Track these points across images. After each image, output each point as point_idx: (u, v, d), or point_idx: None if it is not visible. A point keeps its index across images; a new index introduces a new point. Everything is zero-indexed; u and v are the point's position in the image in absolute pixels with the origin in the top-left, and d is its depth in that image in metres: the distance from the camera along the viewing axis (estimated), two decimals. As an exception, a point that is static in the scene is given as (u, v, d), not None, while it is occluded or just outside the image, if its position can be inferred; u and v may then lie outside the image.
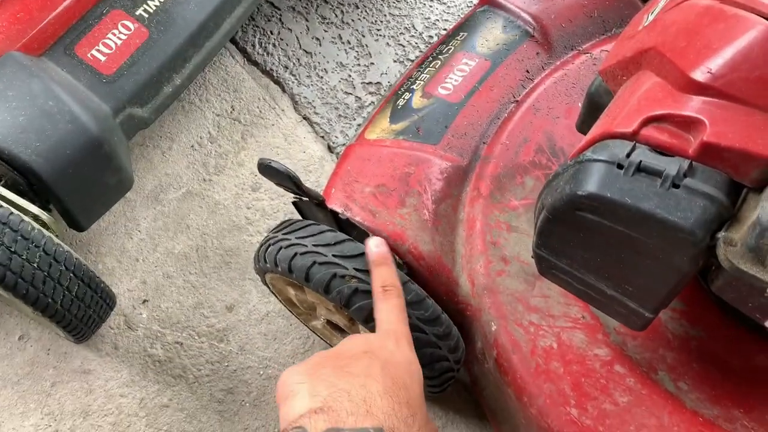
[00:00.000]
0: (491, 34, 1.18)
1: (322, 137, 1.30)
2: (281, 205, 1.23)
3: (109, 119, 1.07)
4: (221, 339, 1.10)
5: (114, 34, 1.14)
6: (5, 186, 0.97)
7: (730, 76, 0.61)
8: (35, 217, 0.96)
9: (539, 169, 1.02)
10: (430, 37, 1.41)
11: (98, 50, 1.12)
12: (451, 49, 1.17)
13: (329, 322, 0.98)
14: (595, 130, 0.70)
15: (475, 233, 0.96)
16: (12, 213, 0.89)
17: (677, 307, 0.88)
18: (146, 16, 1.16)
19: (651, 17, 0.76)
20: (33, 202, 0.99)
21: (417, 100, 1.11)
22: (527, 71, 1.14)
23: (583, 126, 0.87)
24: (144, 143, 1.27)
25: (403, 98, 1.13)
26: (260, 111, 1.32)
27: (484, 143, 1.06)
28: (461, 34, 1.19)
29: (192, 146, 1.28)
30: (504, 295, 0.91)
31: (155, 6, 1.17)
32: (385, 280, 0.76)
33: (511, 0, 1.19)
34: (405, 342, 0.70)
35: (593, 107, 0.82)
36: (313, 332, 1.08)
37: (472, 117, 1.08)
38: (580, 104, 0.88)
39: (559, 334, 0.87)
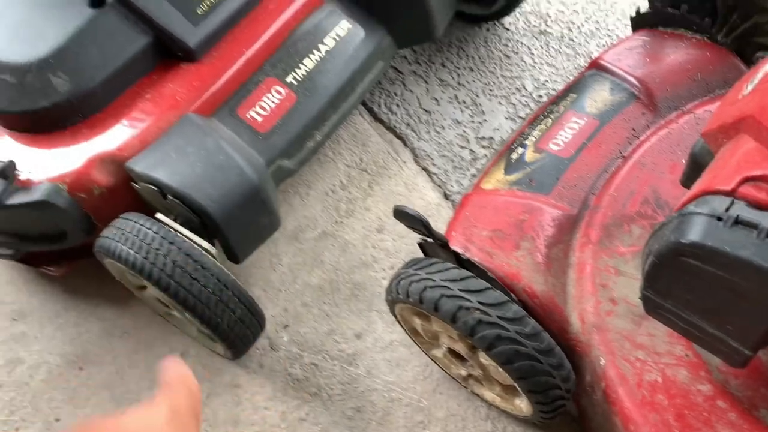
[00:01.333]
0: (599, 96, 1.29)
1: (439, 186, 1.45)
2: (402, 245, 1.38)
3: (264, 170, 1.27)
4: (350, 363, 1.25)
5: (268, 98, 1.34)
6: (180, 224, 1.18)
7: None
8: (205, 251, 1.16)
9: (645, 219, 1.11)
10: (540, 96, 1.54)
11: (256, 112, 1.32)
12: (561, 108, 1.29)
13: (450, 351, 1.10)
14: (698, 186, 0.80)
15: (585, 276, 1.07)
16: (194, 246, 1.08)
17: (780, 350, 0.94)
18: (295, 83, 1.36)
19: (750, 87, 0.85)
20: (202, 237, 1.18)
21: (530, 155, 1.23)
22: (633, 130, 1.24)
23: (687, 181, 0.96)
24: (286, 189, 1.47)
25: (517, 152, 1.26)
26: (385, 162, 1.49)
27: (592, 194, 1.16)
28: (571, 95, 1.31)
29: (326, 192, 1.46)
30: (612, 333, 1.00)
31: (302, 74, 1.37)
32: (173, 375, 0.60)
33: (617, 65, 1.31)
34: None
35: (696, 165, 0.91)
36: (433, 360, 1.21)
37: (581, 170, 1.19)
38: (683, 161, 0.97)
39: (663, 370, 0.95)
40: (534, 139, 1.26)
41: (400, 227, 1.40)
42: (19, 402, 1.27)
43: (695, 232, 0.73)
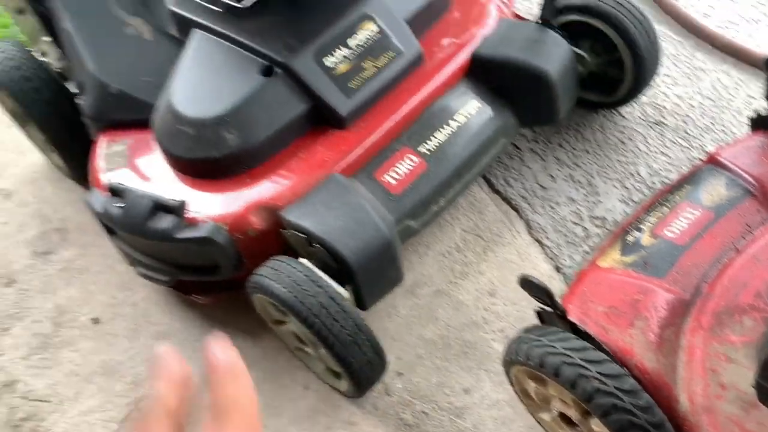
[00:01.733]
0: (715, 190, 1.37)
1: (551, 259, 1.54)
2: (512, 311, 1.48)
3: (394, 228, 1.41)
4: (458, 415, 1.34)
5: (402, 165, 1.49)
6: (319, 269, 1.32)
7: None
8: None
9: (757, 312, 1.17)
10: (653, 183, 1.62)
11: (390, 176, 1.48)
12: (677, 198, 1.37)
13: (561, 415, 1.18)
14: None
15: (695, 359, 1.13)
16: (336, 291, 1.22)
17: None
18: (426, 153, 1.51)
19: None
20: (337, 282, 1.32)
21: (646, 239, 1.32)
22: (748, 225, 1.31)
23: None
24: (407, 247, 1.60)
25: (633, 235, 1.34)
26: (499, 231, 1.61)
27: (705, 282, 1.23)
28: (686, 186, 1.40)
29: (443, 253, 1.59)
30: (721, 416, 1.06)
31: (434, 146, 1.52)
32: (228, 397, 0.44)
33: (734, 162, 1.39)
34: None
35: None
36: (539, 423, 1.28)
37: (695, 258, 1.26)
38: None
39: (772, 459, 1.00)
40: (650, 225, 1.34)
41: (511, 293, 1.50)
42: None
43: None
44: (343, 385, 1.35)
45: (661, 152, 1.68)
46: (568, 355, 1.05)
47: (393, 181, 1.47)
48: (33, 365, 1.56)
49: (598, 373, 1.02)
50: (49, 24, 1.71)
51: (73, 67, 1.65)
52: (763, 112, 1.43)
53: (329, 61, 1.46)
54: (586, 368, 1.02)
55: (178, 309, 1.59)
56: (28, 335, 1.61)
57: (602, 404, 1.00)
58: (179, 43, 1.59)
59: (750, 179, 1.36)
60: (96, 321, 1.61)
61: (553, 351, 1.06)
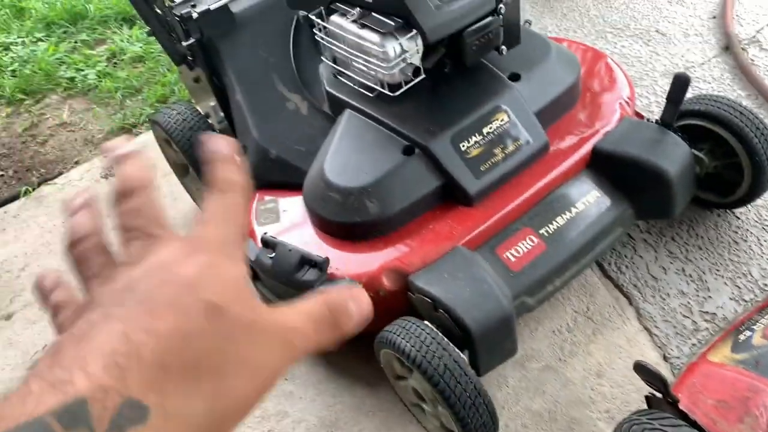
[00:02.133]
0: (832, 299, 1.41)
1: (659, 347, 1.61)
2: (618, 393, 1.55)
3: (512, 302, 1.52)
4: (560, 487, 1.41)
5: (523, 244, 1.62)
6: (441, 332, 1.45)
7: None
8: (459, 360, 1.42)
9: None
10: (765, 285, 1.67)
11: (511, 253, 1.61)
12: (792, 303, 1.42)
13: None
14: None
15: (804, 462, 1.17)
16: (460, 355, 1.35)
17: None
18: (546, 235, 1.63)
19: None
20: (456, 346, 1.45)
21: (757, 339, 1.37)
22: None
23: None
24: (519, 322, 1.71)
25: (744, 334, 1.40)
26: (609, 315, 1.69)
27: (818, 389, 1.27)
28: (802, 292, 1.45)
29: (553, 331, 1.69)
30: None
31: (554, 229, 1.64)
32: (229, 177, 0.43)
33: None
34: (220, 254, 0.39)
35: None
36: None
37: (808, 364, 1.31)
38: None
39: None
40: (762, 326, 1.40)
41: (618, 376, 1.57)
42: (281, 446, 1.59)
43: None
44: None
45: (775, 255, 1.73)
46: (679, 441, 1.12)
47: (513, 259, 1.60)
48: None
49: (709, 461, 1.09)
50: (220, 92, 1.99)
51: (238, 131, 1.90)
52: None
53: (463, 145, 1.63)
54: (697, 455, 1.09)
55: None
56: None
57: (711, 492, 1.06)
58: (330, 119, 1.82)
59: None
60: (230, 356, 1.80)
61: (665, 435, 1.14)
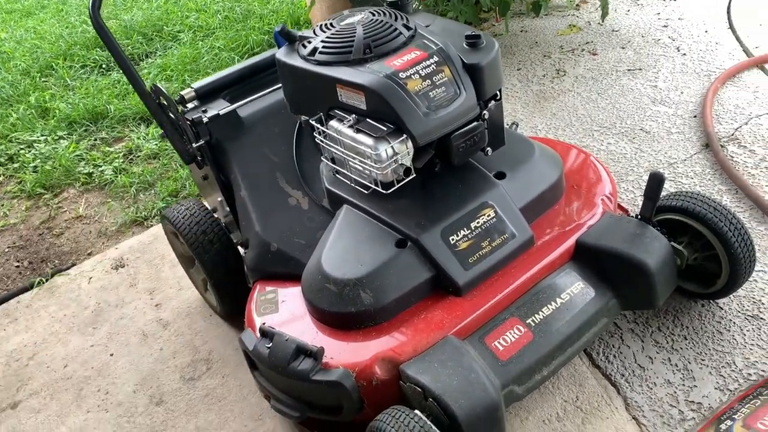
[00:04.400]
0: (809, 388, 1.45)
1: (648, 437, 1.64)
2: (608, 484, 1.56)
3: (500, 392, 1.57)
4: None
5: (511, 333, 1.68)
6: (430, 421, 1.49)
7: None
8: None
9: None
10: (749, 374, 1.71)
11: (499, 342, 1.66)
12: (770, 392, 1.47)
13: None
14: None
15: None
16: (447, 443, 1.39)
17: None
18: (533, 324, 1.70)
19: None
20: None
21: (738, 428, 1.41)
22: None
23: None
24: (509, 410, 1.75)
25: (726, 423, 1.44)
26: (598, 405, 1.73)
27: (798, 478, 1.30)
28: (781, 382, 1.49)
29: (543, 420, 1.72)
30: None
31: (540, 319, 1.71)
32: None
33: (828, 363, 1.48)
34: None
35: None
36: None
37: (787, 454, 1.34)
38: None
39: None
40: (743, 416, 1.44)
41: (607, 466, 1.59)
42: None
43: None
44: None
45: (758, 345, 1.78)
46: None
47: (501, 348, 1.66)
48: (172, 479, 1.79)
49: None
50: (226, 189, 2.12)
51: (242, 226, 2.02)
52: None
53: (453, 239, 1.73)
54: None
55: (299, 442, 1.79)
56: (170, 451, 1.86)
57: None
58: (329, 214, 1.94)
59: None
60: (228, 445, 1.84)
61: None
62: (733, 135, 2.60)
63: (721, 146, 2.53)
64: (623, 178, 2.50)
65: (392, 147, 1.65)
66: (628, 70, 3.22)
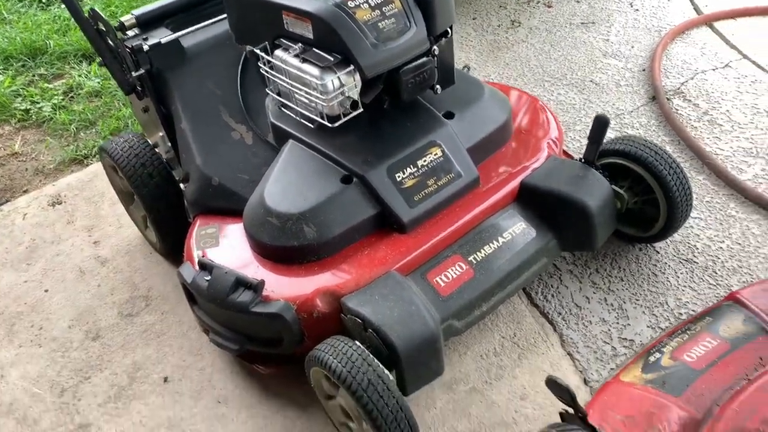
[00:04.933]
0: (733, 324, 1.51)
1: (580, 372, 1.68)
2: (540, 415, 1.61)
3: (439, 325, 1.59)
4: (481, 505, 1.45)
5: (452, 270, 1.69)
6: (370, 352, 1.50)
7: None
8: (386, 379, 1.46)
9: (763, 436, 1.28)
10: (680, 314, 1.77)
11: (441, 279, 1.67)
12: (698, 328, 1.52)
13: None
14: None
15: (702, 472, 1.24)
16: (384, 371, 1.40)
17: None
18: (474, 262, 1.71)
19: None
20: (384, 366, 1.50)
21: (666, 360, 1.46)
22: (761, 359, 1.44)
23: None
24: (448, 345, 1.77)
25: (654, 356, 1.49)
26: (534, 341, 1.77)
27: (717, 405, 1.36)
28: (707, 318, 1.55)
29: (481, 355, 1.75)
30: None
31: (482, 257, 1.72)
32: None
33: (753, 301, 1.54)
34: None
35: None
36: None
37: (709, 383, 1.39)
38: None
39: None
40: (671, 348, 1.49)
41: (541, 399, 1.64)
42: (210, 468, 1.59)
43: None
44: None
45: (690, 287, 1.84)
46: (582, 449, 1.18)
47: (442, 284, 1.67)
48: (107, 412, 1.75)
49: (608, 467, 1.15)
50: (167, 122, 2.05)
51: (182, 159, 1.95)
52: (782, 260, 1.60)
53: (399, 176, 1.72)
54: (598, 462, 1.16)
55: (239, 377, 1.78)
56: (106, 385, 1.82)
57: (610, 496, 1.12)
58: (274, 149, 1.90)
59: (766, 318, 1.50)
60: (166, 380, 1.81)
61: (570, 444, 1.20)
62: (679, 89, 2.64)
63: (667, 99, 2.57)
64: (571, 127, 2.52)
65: (339, 78, 1.61)
66: (582, 23, 3.23)
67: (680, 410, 1.34)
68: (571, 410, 1.31)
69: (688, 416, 1.33)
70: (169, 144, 2.13)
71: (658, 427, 1.30)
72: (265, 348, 1.68)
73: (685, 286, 1.84)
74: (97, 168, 2.70)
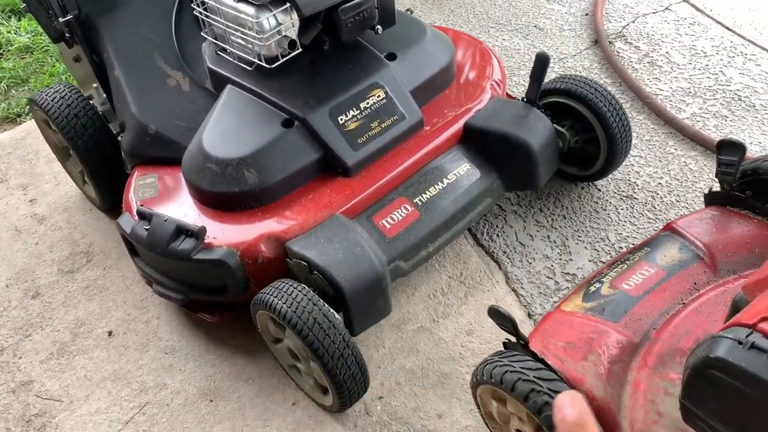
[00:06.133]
0: (669, 252, 1.56)
1: (525, 306, 1.72)
2: (486, 349, 1.64)
3: (386, 265, 1.59)
4: (430, 437, 1.48)
5: (398, 212, 1.69)
6: (318, 295, 1.50)
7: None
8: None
9: (695, 355, 1.33)
10: (621, 247, 1.81)
11: (386, 221, 1.67)
12: (636, 257, 1.56)
13: (518, 434, 1.32)
14: (730, 321, 1.05)
15: (639, 392, 1.29)
16: (329, 309, 1.40)
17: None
18: (420, 203, 1.72)
19: (782, 255, 1.11)
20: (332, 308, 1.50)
21: (605, 289, 1.49)
22: (695, 283, 1.49)
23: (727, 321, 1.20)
24: (397, 287, 1.78)
25: (595, 286, 1.52)
26: (480, 279, 1.79)
27: (653, 329, 1.40)
28: (646, 248, 1.58)
29: (428, 295, 1.76)
30: (656, 439, 1.20)
31: (427, 198, 1.73)
32: None
33: (688, 230, 1.58)
34: None
35: (735, 310, 1.15)
36: (501, 445, 1.42)
37: (646, 308, 1.44)
38: (731, 310, 1.21)
39: (695, 476, 1.14)
40: (610, 278, 1.52)
41: (486, 333, 1.67)
42: (159, 418, 1.58)
43: (721, 350, 0.97)
44: (329, 399, 1.50)
45: (630, 222, 1.88)
46: (523, 373, 1.21)
47: (388, 226, 1.67)
48: (50, 368, 1.71)
49: (548, 388, 1.18)
50: (100, 71, 1.96)
51: (117, 108, 1.88)
52: (715, 189, 1.64)
53: (341, 119, 1.69)
54: (538, 384, 1.18)
55: (185, 328, 1.76)
56: (48, 342, 1.77)
57: (550, 416, 1.15)
58: (212, 96, 1.84)
59: (700, 245, 1.55)
60: (110, 334, 1.78)
61: (511, 369, 1.22)
62: (620, 32, 2.66)
63: (609, 42, 2.59)
64: (516, 72, 2.52)
65: (275, 16, 1.57)
66: (527, -31, 3.21)
67: (619, 335, 1.38)
68: (513, 338, 1.34)
69: (626, 340, 1.37)
70: (105, 95, 2.04)
71: (597, 351, 1.34)
72: (211, 296, 1.65)
73: (625, 221, 1.89)
74: (30, 126, 2.59)
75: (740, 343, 0.96)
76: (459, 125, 1.83)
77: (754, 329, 0.98)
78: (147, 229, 1.59)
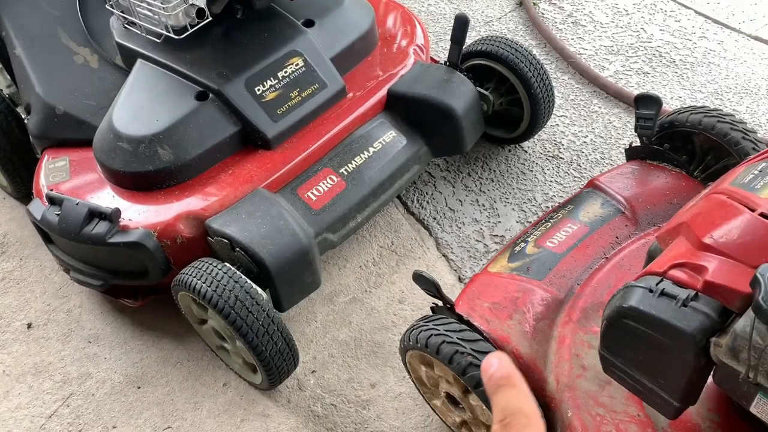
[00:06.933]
0: (591, 208, 1.57)
1: (455, 271, 1.72)
2: (418, 315, 1.63)
3: (313, 238, 1.56)
4: (364, 407, 1.47)
5: (323, 184, 1.66)
6: (241, 272, 1.46)
7: (725, 242, 0.96)
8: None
9: (617, 307, 1.35)
10: (547, 207, 1.83)
11: (312, 193, 1.64)
12: (559, 215, 1.57)
13: (448, 397, 1.32)
14: (642, 271, 1.06)
15: (564, 347, 1.30)
16: (252, 286, 1.36)
17: (714, 419, 1.15)
18: (346, 174, 1.68)
19: (692, 203, 1.13)
20: (258, 285, 1.46)
21: (530, 248, 1.50)
22: (617, 237, 1.51)
23: (645, 273, 1.21)
24: (327, 260, 1.75)
25: (520, 246, 1.52)
26: (411, 247, 1.78)
27: (577, 284, 1.41)
28: (569, 206, 1.60)
29: (360, 266, 1.74)
30: (580, 392, 1.22)
31: (353, 168, 1.69)
32: (507, 407, 0.49)
33: (609, 185, 1.60)
34: None
35: (650, 259, 1.17)
36: (434, 410, 1.42)
37: (570, 265, 1.45)
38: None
39: (618, 425, 1.16)
40: (535, 237, 1.53)
41: (418, 300, 1.66)
42: (84, 409, 1.52)
43: (633, 299, 0.98)
44: (258, 378, 1.47)
45: (556, 182, 1.90)
46: (447, 335, 1.20)
47: (314, 198, 1.63)
48: (-36, 367, 1.63)
49: (472, 349, 1.18)
50: (1, 52, 1.85)
51: (21, 90, 1.78)
52: (635, 144, 1.66)
53: (259, 89, 1.64)
54: (462, 345, 1.18)
55: (109, 315, 1.69)
56: (-39, 339, 1.69)
57: (474, 376, 1.16)
58: (124, 72, 1.75)
59: (621, 200, 1.57)
60: (30, 326, 1.70)
61: (436, 333, 1.22)
62: (545, -6, 2.67)
63: (534, 4, 2.59)
64: (442, 37, 2.50)
65: (179, -16, 1.49)
66: (452, -67, 3.17)
67: (543, 292, 1.39)
68: (439, 302, 1.33)
69: (551, 297, 1.38)
70: (9, 77, 1.93)
71: (522, 309, 1.35)
72: (131, 280, 1.59)
73: (551, 181, 1.90)
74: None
75: (651, 291, 0.97)
76: (383, 92, 1.80)
77: (665, 277, 0.99)
78: (58, 215, 1.51)
